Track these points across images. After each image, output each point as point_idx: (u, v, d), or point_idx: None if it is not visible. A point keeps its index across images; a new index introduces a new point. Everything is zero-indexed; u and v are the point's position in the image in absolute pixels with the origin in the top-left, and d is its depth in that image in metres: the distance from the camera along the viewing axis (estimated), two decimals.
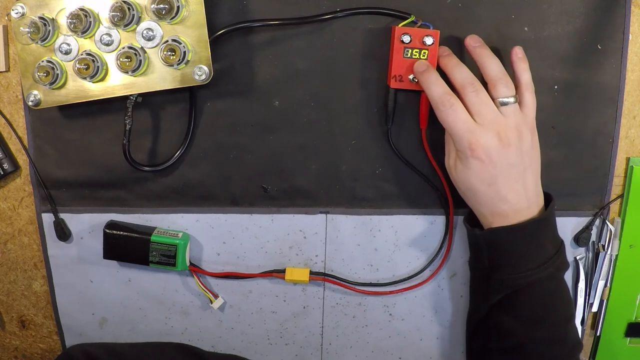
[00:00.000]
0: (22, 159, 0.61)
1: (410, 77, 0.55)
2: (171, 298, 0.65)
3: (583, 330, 0.66)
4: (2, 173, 0.60)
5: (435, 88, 0.51)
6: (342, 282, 0.63)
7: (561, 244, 0.56)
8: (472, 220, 0.58)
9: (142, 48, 0.52)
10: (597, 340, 0.67)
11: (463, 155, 0.52)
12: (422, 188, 0.61)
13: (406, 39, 0.53)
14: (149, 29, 0.51)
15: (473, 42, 0.53)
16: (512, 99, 0.51)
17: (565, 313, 0.56)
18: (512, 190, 0.52)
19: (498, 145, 0.50)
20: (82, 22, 0.51)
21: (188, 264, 0.62)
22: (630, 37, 0.57)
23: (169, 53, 0.51)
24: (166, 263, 0.60)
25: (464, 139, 0.50)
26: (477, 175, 0.52)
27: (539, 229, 0.53)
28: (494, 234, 0.54)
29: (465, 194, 0.55)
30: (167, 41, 0.51)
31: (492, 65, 0.52)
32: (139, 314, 0.66)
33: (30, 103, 0.54)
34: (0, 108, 0.59)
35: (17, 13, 0.52)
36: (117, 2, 0.50)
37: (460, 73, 0.52)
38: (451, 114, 0.50)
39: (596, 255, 0.63)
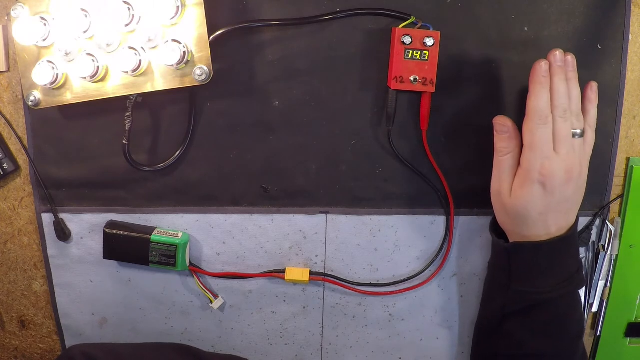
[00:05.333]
0: (22, 159, 0.61)
1: (411, 78, 0.55)
2: (171, 298, 0.65)
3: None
4: (2, 173, 0.60)
5: (542, 99, 0.51)
6: (342, 282, 0.63)
7: (581, 262, 0.56)
8: (497, 227, 0.58)
9: (142, 48, 0.52)
10: (597, 340, 0.67)
11: (528, 177, 0.51)
12: (422, 188, 0.61)
13: (407, 40, 0.53)
14: (149, 29, 0.51)
15: (569, 66, 0.52)
16: (579, 132, 0.52)
17: (576, 329, 0.56)
18: (557, 223, 0.53)
19: (563, 179, 0.51)
20: (82, 22, 0.51)
21: (188, 264, 0.62)
22: (630, 37, 0.57)
23: (169, 53, 0.50)
24: (166, 263, 0.61)
25: (538, 160, 0.51)
26: (534, 201, 0.52)
27: (564, 246, 0.54)
28: (519, 248, 0.54)
29: (512, 218, 0.54)
30: (167, 41, 0.51)
31: (573, 90, 0.52)
32: (139, 314, 0.66)
33: (30, 103, 0.54)
34: (0, 108, 0.59)
35: (17, 13, 0.52)
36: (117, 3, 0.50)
37: (562, 92, 0.51)
38: (543, 129, 0.50)
39: (596, 255, 0.63)
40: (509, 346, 0.57)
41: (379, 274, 0.64)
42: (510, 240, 0.56)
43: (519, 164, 0.53)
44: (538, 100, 0.51)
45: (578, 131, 0.52)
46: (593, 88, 0.53)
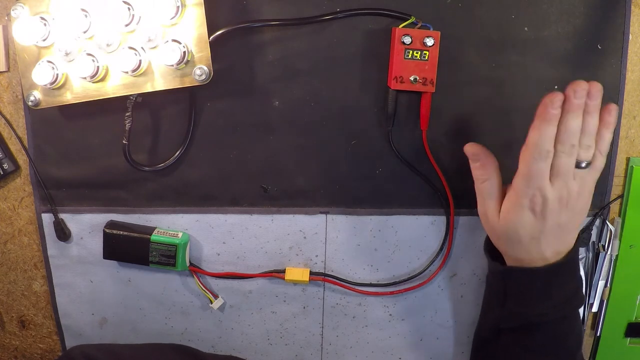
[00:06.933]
0: (22, 159, 0.61)
1: (411, 78, 0.55)
2: (171, 298, 0.65)
3: (583, 331, 0.66)
4: (2, 173, 0.60)
5: (545, 135, 0.47)
6: (342, 282, 0.63)
7: (580, 282, 0.54)
8: (490, 246, 0.57)
9: (142, 48, 0.52)
10: (597, 340, 0.67)
11: (517, 202, 0.49)
12: (422, 188, 0.61)
13: (407, 40, 0.53)
14: (149, 29, 0.51)
15: (593, 98, 0.47)
16: (585, 164, 0.48)
17: (575, 343, 0.55)
18: (551, 247, 0.51)
19: (556, 207, 0.49)
20: (82, 22, 0.51)
21: (188, 264, 0.62)
22: (630, 37, 0.57)
23: (169, 53, 0.50)
24: (166, 263, 0.60)
25: (530, 191, 0.48)
26: (525, 226, 0.50)
27: (561, 271, 0.52)
28: (515, 273, 0.53)
29: (503, 241, 0.53)
30: (167, 41, 0.51)
31: (590, 123, 0.47)
32: (139, 314, 0.66)
33: (30, 103, 0.54)
34: (0, 108, 0.59)
35: (17, 13, 0.52)
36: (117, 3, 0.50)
37: (572, 129, 0.47)
38: (541, 164, 0.47)
39: (596, 256, 0.63)
40: (507, 359, 0.56)
41: (379, 274, 0.64)
42: (507, 261, 0.54)
43: (501, 185, 0.52)
44: (539, 136, 0.47)
45: (583, 163, 0.48)
46: (612, 112, 0.48)
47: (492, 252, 0.56)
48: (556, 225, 0.50)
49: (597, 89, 0.47)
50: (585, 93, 0.46)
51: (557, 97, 0.46)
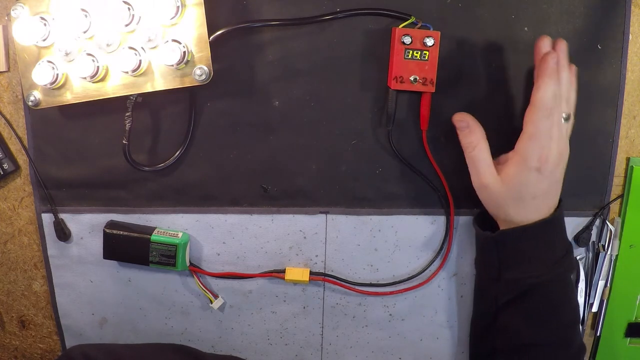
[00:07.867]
0: (22, 159, 0.61)
1: (411, 78, 0.55)
2: (171, 298, 0.65)
3: (583, 330, 0.66)
4: (2, 173, 0.60)
5: (551, 92, 0.50)
6: (342, 282, 0.63)
7: (570, 245, 0.57)
8: (481, 222, 0.58)
9: (142, 48, 0.52)
10: (597, 340, 0.67)
11: (525, 164, 0.52)
12: (422, 188, 0.61)
13: (407, 40, 0.53)
14: (149, 29, 0.51)
15: (560, 54, 0.52)
16: (566, 116, 0.52)
17: (571, 316, 0.56)
18: (547, 205, 0.54)
19: (555, 163, 0.52)
20: (82, 22, 0.51)
21: (188, 264, 0.62)
22: (630, 37, 0.57)
23: (169, 53, 0.50)
24: (166, 263, 0.61)
25: (537, 150, 0.51)
26: (530, 187, 0.52)
27: (548, 229, 0.54)
28: (506, 235, 0.55)
29: (505, 206, 0.54)
30: (167, 41, 0.51)
31: (564, 79, 0.52)
32: (139, 314, 0.66)
33: (30, 103, 0.54)
34: (0, 108, 0.59)
35: (17, 13, 0.52)
36: (117, 3, 0.50)
37: (567, 84, 0.52)
38: (548, 123, 0.51)
39: (596, 255, 0.63)
40: (505, 339, 0.57)
41: (379, 274, 0.64)
42: (501, 228, 0.56)
43: (489, 152, 0.54)
44: (546, 93, 0.50)
45: (565, 115, 0.52)
46: (573, 71, 0.54)
47: (481, 225, 0.58)
48: (555, 182, 0.53)
49: (564, 43, 0.52)
50: (566, 47, 0.52)
51: (554, 53, 0.51)
